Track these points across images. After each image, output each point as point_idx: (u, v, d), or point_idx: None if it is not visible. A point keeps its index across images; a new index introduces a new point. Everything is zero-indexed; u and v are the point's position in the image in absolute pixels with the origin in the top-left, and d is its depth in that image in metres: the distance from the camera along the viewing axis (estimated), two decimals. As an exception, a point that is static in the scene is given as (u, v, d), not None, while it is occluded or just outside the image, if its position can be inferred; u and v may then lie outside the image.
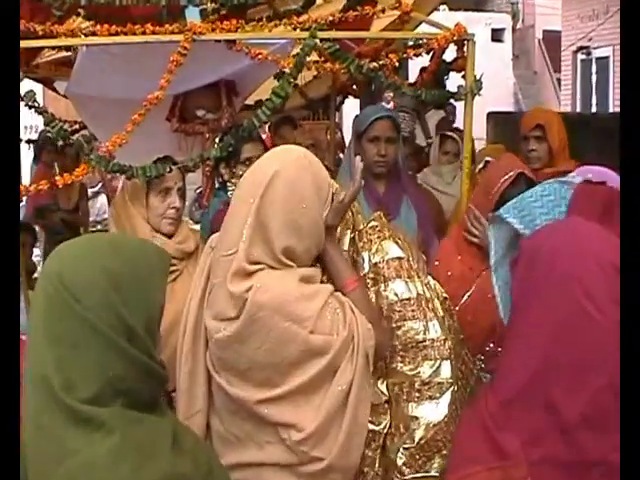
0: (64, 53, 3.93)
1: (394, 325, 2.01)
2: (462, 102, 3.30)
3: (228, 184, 3.28)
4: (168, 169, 3.00)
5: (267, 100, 3.08)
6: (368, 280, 2.05)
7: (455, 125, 5.94)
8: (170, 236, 2.84)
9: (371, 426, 1.94)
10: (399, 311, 2.02)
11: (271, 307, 1.75)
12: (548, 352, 1.33)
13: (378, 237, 2.07)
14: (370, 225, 2.11)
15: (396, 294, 2.02)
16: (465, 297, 2.57)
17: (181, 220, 2.95)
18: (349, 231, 2.08)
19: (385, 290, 2.03)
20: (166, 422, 1.35)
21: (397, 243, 2.08)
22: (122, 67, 3.24)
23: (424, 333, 2.00)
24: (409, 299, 2.02)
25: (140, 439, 1.25)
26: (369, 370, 1.87)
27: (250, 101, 4.42)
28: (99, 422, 1.22)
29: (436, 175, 4.67)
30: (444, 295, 2.13)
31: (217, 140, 3.36)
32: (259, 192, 1.80)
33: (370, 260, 2.06)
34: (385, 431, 1.97)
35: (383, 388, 2.00)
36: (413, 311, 2.01)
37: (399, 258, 2.05)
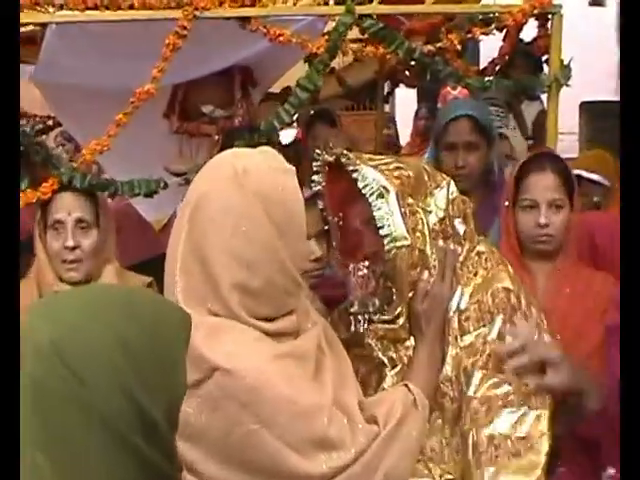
0: (29, 27, 3.45)
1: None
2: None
3: None
4: (162, 184, 2.75)
5: (291, 96, 2.74)
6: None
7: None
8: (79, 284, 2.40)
9: None
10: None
11: (240, 401, 1.52)
12: None
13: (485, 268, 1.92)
14: (476, 251, 1.94)
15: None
16: None
17: (111, 260, 2.51)
18: None
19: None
20: None
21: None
22: (104, 49, 2.87)
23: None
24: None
25: None
26: None
27: (275, 88, 4.06)
28: None
29: None
30: None
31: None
32: (185, 224, 1.62)
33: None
34: None
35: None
36: None
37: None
